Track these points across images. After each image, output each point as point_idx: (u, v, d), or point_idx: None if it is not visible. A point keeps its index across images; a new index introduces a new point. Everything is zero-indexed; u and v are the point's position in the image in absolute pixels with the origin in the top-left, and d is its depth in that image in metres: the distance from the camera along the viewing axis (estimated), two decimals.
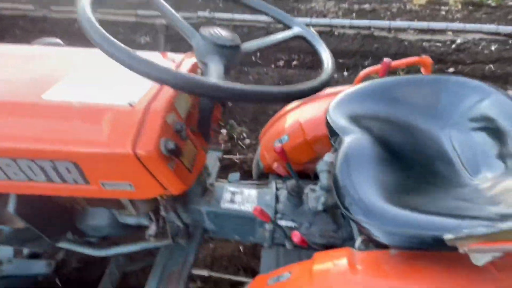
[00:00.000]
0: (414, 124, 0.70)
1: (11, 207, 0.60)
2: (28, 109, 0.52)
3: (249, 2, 0.69)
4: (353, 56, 3.07)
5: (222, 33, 0.52)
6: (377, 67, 0.92)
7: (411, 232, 0.45)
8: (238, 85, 0.37)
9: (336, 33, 3.66)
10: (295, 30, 0.68)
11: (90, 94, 0.55)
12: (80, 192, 0.54)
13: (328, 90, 1.10)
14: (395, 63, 0.89)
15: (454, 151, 0.64)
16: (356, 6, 4.69)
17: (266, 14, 0.71)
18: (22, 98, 0.53)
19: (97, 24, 0.41)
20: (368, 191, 0.54)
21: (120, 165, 0.49)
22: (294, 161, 1.08)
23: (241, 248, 1.27)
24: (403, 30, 3.82)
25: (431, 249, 0.46)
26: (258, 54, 3.14)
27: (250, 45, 0.57)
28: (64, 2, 4.57)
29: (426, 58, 0.89)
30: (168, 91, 0.58)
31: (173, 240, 0.85)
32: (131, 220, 0.80)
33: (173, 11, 0.53)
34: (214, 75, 0.43)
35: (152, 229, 0.84)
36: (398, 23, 3.94)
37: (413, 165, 0.62)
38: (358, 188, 0.55)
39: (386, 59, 0.87)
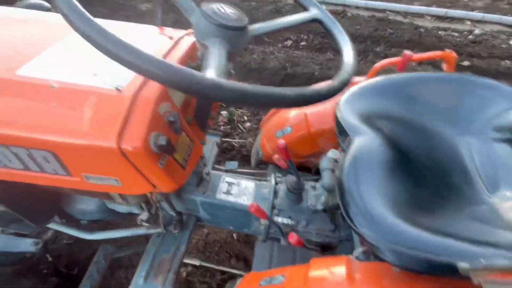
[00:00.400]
0: (431, 128, 0.64)
1: None
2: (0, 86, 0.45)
3: None
4: (364, 41, 2.92)
5: (227, 11, 0.44)
6: (396, 59, 0.83)
7: (421, 255, 0.41)
8: (244, 86, 0.30)
9: (349, 14, 3.46)
10: (312, 13, 0.59)
11: (72, 73, 0.48)
12: (61, 182, 0.49)
13: None
14: (416, 56, 0.80)
15: (473, 163, 0.59)
16: None
17: None
18: None
19: None
20: (375, 202, 0.50)
21: (103, 159, 0.43)
22: (295, 153, 1.03)
23: (234, 235, 1.26)
24: (420, 15, 3.61)
25: (440, 275, 0.42)
26: None
27: (259, 27, 0.49)
28: None
29: (450, 53, 0.81)
30: None
31: (165, 229, 0.82)
32: (121, 209, 0.76)
33: None
34: (214, 64, 0.35)
35: (145, 214, 0.80)
36: (416, 7, 3.72)
37: (426, 174, 0.58)
38: (365, 198, 0.51)
39: (406, 52, 0.79)
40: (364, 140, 0.61)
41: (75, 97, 0.44)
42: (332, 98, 1.05)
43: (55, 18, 0.65)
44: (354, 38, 2.90)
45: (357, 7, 3.69)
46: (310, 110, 0.97)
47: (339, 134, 0.71)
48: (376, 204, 0.50)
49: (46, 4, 0.84)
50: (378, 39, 2.95)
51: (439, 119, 0.65)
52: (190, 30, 0.65)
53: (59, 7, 0.30)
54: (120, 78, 0.47)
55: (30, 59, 0.49)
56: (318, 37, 2.89)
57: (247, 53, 2.55)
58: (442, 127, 0.64)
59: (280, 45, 2.80)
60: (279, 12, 3.19)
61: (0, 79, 0.45)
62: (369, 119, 0.67)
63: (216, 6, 0.43)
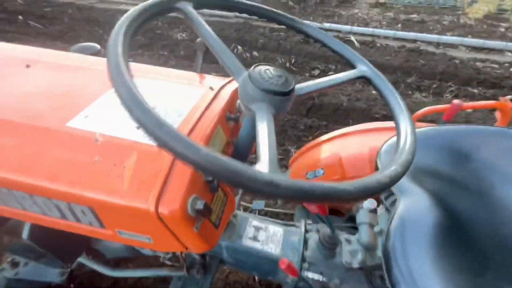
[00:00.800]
0: (493, 192, 0.57)
1: (25, 234, 0.57)
2: (50, 138, 0.47)
3: (310, 32, 0.59)
4: (395, 72, 2.85)
5: (274, 74, 0.42)
6: (442, 107, 0.78)
7: None
8: (301, 184, 0.27)
9: (378, 44, 3.44)
10: (360, 70, 0.57)
11: (117, 125, 0.49)
12: (94, 233, 0.49)
13: (375, 124, 0.97)
14: (467, 105, 0.74)
15: None
16: (402, 16, 4.40)
17: (324, 44, 0.60)
18: (47, 123, 0.49)
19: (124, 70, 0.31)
20: (432, 285, 0.43)
21: (139, 219, 0.43)
22: None
23: (256, 277, 1.19)
24: (454, 46, 3.50)
25: None
26: (293, 60, 3.03)
27: (304, 87, 0.47)
28: None
29: (505, 102, 0.74)
30: (203, 128, 0.51)
31: (188, 272, 0.79)
32: (147, 252, 0.75)
33: (217, 38, 0.45)
34: (265, 150, 0.32)
35: (168, 254, 0.78)
36: (448, 38, 3.62)
37: (490, 251, 0.50)
38: (419, 278, 0.45)
39: (456, 101, 0.73)
40: (412, 203, 0.55)
41: (117, 152, 0.45)
42: (368, 140, 0.99)
43: (104, 65, 0.69)
44: (384, 69, 2.85)
45: (386, 37, 3.67)
46: (345, 152, 0.92)
47: None
48: None
49: (98, 46, 0.91)
50: (409, 70, 2.87)
51: (503, 181, 0.57)
52: (229, 79, 0.66)
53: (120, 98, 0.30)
54: None
55: (80, 109, 0.52)
56: (347, 67, 2.87)
57: None
58: (505, 191, 0.56)
59: (307, 74, 2.82)
60: (307, 42, 3.25)
61: (52, 130, 0.48)
62: (415, 176, 0.61)
63: (263, 69, 0.43)
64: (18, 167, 0.44)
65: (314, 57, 3.07)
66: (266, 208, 1.07)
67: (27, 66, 0.66)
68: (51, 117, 0.50)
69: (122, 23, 0.37)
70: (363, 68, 0.56)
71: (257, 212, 1.13)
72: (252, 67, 0.43)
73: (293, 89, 0.42)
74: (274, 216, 1.11)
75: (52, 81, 0.61)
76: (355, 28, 3.81)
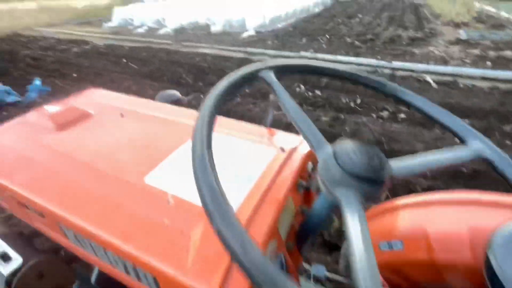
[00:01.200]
0: None
1: (93, 277, 0.60)
2: (128, 192, 0.50)
3: (399, 94, 0.52)
4: (486, 117, 2.43)
5: (364, 154, 0.35)
6: None
7: None
8: None
9: (461, 85, 3.04)
10: (473, 149, 0.44)
11: (188, 186, 0.49)
12: None
13: (475, 195, 0.79)
14: None
15: None
16: (492, 53, 3.88)
17: (420, 111, 0.51)
18: (127, 176, 0.52)
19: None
20: None
21: None
22: (405, 276, 0.80)
23: None
24: None
25: None
26: (358, 100, 2.89)
27: (400, 168, 0.38)
28: (192, 38, 5.58)
29: None
30: (274, 199, 0.47)
31: None
32: None
33: (299, 108, 0.42)
34: (361, 252, 0.25)
35: None
36: None
37: None
38: None
39: None
40: None
41: (185, 218, 0.44)
42: (466, 215, 0.80)
43: (183, 116, 0.74)
44: (472, 114, 2.46)
45: (471, 77, 3.24)
46: (433, 226, 0.76)
47: None
48: None
49: (178, 94, 1.00)
50: (506, 115, 2.41)
51: None
52: (300, 139, 0.62)
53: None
54: (232, 198, 0.45)
55: (157, 163, 0.55)
56: None
57: (338, 124, 2.48)
58: None
59: (374, 115, 2.63)
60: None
61: (130, 184, 0.51)
62: None
63: (350, 147, 0.36)
64: (99, 220, 0.47)
65: (382, 97, 2.87)
66: (327, 273, 0.94)
67: (122, 115, 0.75)
68: (131, 170, 0.54)
69: (208, 104, 0.37)
70: (477, 145, 0.45)
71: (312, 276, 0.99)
72: (337, 142, 0.38)
73: (390, 176, 0.35)
74: (338, 285, 0.96)
75: (139, 132, 0.67)
76: (432, 67, 3.50)
